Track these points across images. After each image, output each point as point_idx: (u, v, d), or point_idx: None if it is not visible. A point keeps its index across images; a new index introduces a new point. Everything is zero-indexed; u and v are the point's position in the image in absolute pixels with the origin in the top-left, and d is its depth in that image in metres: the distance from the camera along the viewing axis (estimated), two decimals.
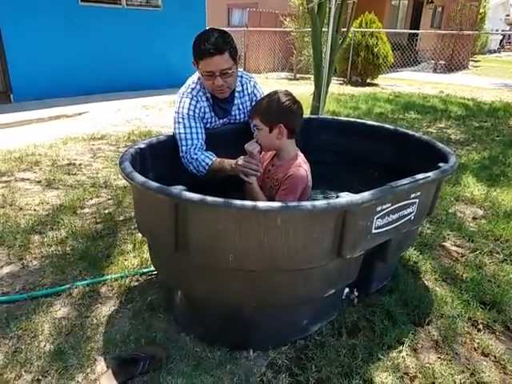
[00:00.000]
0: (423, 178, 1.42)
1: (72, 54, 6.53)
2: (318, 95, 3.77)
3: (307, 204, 1.18)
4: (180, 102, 1.90)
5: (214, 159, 1.81)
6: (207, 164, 1.80)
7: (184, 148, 1.85)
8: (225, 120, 2.04)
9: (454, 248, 2.26)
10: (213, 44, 1.73)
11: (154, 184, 1.28)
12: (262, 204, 1.17)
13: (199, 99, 1.91)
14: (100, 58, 6.84)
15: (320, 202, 1.20)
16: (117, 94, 6.73)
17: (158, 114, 5.74)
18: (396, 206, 1.40)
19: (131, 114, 5.65)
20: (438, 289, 1.87)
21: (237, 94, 2.00)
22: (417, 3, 15.80)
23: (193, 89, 1.92)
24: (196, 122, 1.88)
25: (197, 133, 1.87)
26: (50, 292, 1.82)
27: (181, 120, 1.86)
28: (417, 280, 1.93)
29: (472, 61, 16.11)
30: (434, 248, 2.23)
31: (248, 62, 11.55)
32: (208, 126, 1.99)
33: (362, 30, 9.01)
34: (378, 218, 1.36)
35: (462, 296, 1.80)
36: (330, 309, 1.59)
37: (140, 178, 1.33)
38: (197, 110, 1.89)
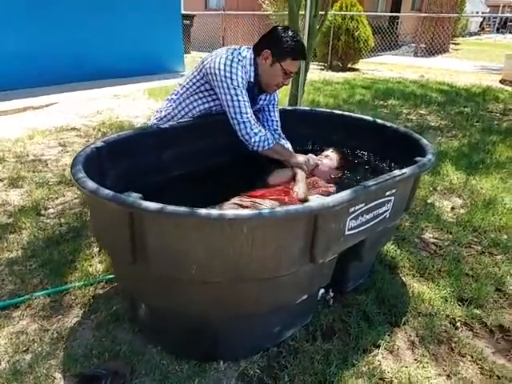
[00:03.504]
0: (399, 175, 1.34)
1: (38, 41, 6.12)
2: (296, 84, 3.66)
3: (275, 210, 1.08)
4: (231, 66, 1.79)
5: (275, 141, 1.94)
6: (272, 142, 1.90)
7: (247, 117, 1.82)
8: None
9: (432, 240, 2.21)
10: (304, 49, 1.88)
11: (107, 192, 1.16)
12: (227, 212, 1.07)
13: (245, 70, 1.85)
14: (69, 45, 6.46)
15: (289, 208, 1.11)
16: (88, 83, 6.41)
17: (132, 104, 5.52)
18: (370, 205, 1.33)
19: (103, 104, 5.41)
20: (415, 285, 1.82)
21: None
22: None
23: (243, 60, 1.84)
24: (246, 94, 1.84)
25: (249, 103, 1.85)
26: (7, 304, 1.69)
27: (237, 86, 1.80)
28: (394, 276, 1.87)
29: (452, 44, 16.13)
30: (411, 241, 2.18)
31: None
32: None
33: (343, 13, 8.84)
34: (351, 220, 1.29)
35: (439, 292, 1.76)
36: (304, 313, 1.52)
37: (91, 184, 1.21)
38: (244, 82, 1.84)
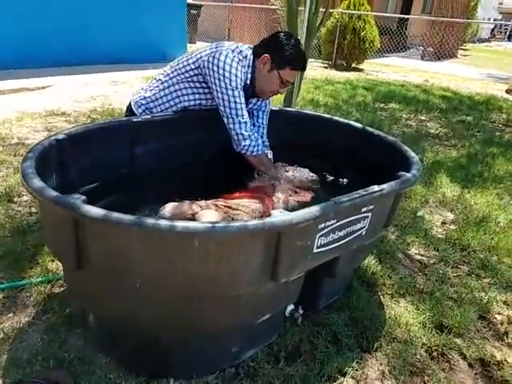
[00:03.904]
0: (377, 191, 1.22)
1: (38, 21, 5.99)
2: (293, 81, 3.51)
3: (230, 225, 0.97)
4: (231, 66, 1.70)
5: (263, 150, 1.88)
6: (262, 150, 1.84)
7: (244, 119, 1.76)
8: None
9: (417, 257, 2.09)
10: (305, 60, 1.81)
11: (51, 193, 1.04)
12: (177, 224, 0.95)
13: (244, 70, 1.76)
14: (69, 27, 6.32)
15: (246, 223, 0.99)
16: (86, 68, 6.27)
17: (127, 91, 5.38)
18: (343, 221, 1.21)
19: (98, 90, 5.28)
20: (393, 306, 1.71)
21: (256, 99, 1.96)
22: None
23: (243, 59, 1.76)
24: (243, 94, 1.77)
25: (244, 105, 1.78)
26: None
27: (234, 87, 1.72)
28: (371, 295, 1.75)
29: (461, 49, 15.90)
30: (395, 257, 2.06)
31: (232, 39, 11.09)
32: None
33: (350, 11, 8.64)
34: (320, 237, 1.17)
35: (418, 317, 1.64)
36: (268, 332, 1.41)
37: (37, 183, 1.09)
38: (242, 83, 1.76)
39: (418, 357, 1.47)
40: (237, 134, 1.77)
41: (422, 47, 12.64)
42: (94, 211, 0.96)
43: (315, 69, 8.69)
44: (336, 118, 2.03)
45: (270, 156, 1.99)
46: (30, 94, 4.98)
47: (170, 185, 1.72)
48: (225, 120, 1.78)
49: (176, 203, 1.56)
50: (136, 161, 1.71)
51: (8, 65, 5.70)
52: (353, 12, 8.59)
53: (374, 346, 1.48)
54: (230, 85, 1.70)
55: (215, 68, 1.70)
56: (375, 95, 6.08)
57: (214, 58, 1.71)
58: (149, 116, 1.77)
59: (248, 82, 1.78)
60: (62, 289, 1.69)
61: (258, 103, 1.98)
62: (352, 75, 8.16)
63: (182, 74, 1.83)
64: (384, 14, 10.80)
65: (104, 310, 1.20)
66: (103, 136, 1.61)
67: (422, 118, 5.15)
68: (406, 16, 11.79)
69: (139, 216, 0.97)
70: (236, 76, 1.71)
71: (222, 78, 1.70)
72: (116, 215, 0.95)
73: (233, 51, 1.74)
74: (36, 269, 1.79)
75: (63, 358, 1.36)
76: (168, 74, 1.88)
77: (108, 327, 1.31)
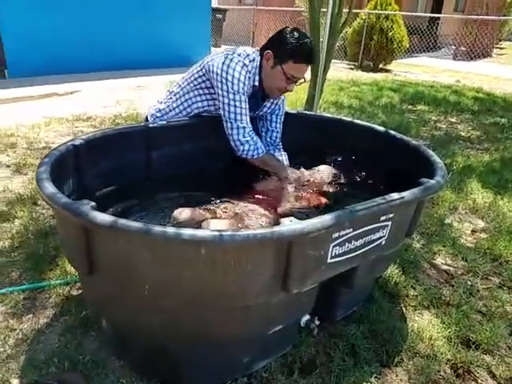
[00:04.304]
0: (396, 199, 1.15)
1: (68, 30, 6.25)
2: (315, 84, 3.46)
3: (237, 234, 0.93)
4: (235, 70, 1.69)
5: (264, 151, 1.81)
6: (263, 151, 1.78)
7: (243, 123, 1.71)
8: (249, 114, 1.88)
9: (443, 267, 1.99)
10: (312, 53, 1.71)
11: (62, 199, 1.05)
12: (183, 232, 0.93)
13: (251, 75, 1.74)
14: (98, 35, 6.53)
15: (254, 232, 0.95)
16: (112, 73, 6.46)
17: (151, 96, 5.47)
18: (360, 230, 1.15)
19: (124, 95, 5.39)
20: (416, 318, 1.62)
21: (272, 100, 1.91)
22: None
23: (249, 64, 1.73)
24: (246, 100, 1.73)
25: (248, 112, 1.75)
26: None
27: (236, 92, 1.69)
28: (393, 306, 1.67)
29: (497, 48, 15.25)
30: (419, 267, 1.96)
31: (256, 42, 11.10)
32: None
33: (377, 12, 8.46)
34: (335, 246, 1.12)
35: (443, 331, 1.55)
36: (281, 342, 1.36)
37: (49, 189, 1.10)
38: (246, 88, 1.72)
39: (441, 373, 1.38)
40: (234, 140, 1.74)
41: (453, 46, 12.21)
42: (101, 218, 0.95)
43: (341, 70, 8.56)
44: (357, 121, 1.96)
45: (284, 158, 1.94)
46: (59, 99, 5.15)
47: (184, 189, 1.70)
48: (224, 124, 1.75)
49: (186, 209, 1.55)
50: (152, 165, 1.71)
51: (38, 71, 5.94)
52: (380, 12, 8.40)
53: (395, 360, 1.41)
54: (232, 88, 1.68)
55: (218, 71, 1.69)
56: (402, 96, 5.90)
57: (218, 62, 1.71)
58: (164, 121, 1.78)
59: (256, 83, 1.76)
60: (79, 291, 1.71)
61: (272, 107, 1.94)
62: (379, 76, 7.98)
63: (192, 82, 1.86)
64: (412, 14, 10.52)
65: (114, 315, 1.20)
66: (120, 141, 1.62)
67: (453, 120, 4.95)
68: (437, 15, 11.43)
69: (146, 223, 0.96)
70: (239, 80, 1.68)
71: (224, 81, 1.69)
72: (123, 222, 0.94)
73: (239, 55, 1.73)
74: (56, 271, 1.82)
75: (78, 360, 1.36)
76: (180, 85, 1.91)
77: (120, 332, 1.30)
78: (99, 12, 6.55)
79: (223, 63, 1.69)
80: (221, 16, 10.11)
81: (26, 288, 1.69)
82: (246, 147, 1.74)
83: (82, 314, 1.55)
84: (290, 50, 1.66)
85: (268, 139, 1.98)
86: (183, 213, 1.55)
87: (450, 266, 2.00)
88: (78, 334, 1.47)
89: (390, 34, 8.36)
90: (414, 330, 1.54)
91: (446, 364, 1.42)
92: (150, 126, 1.73)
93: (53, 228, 2.15)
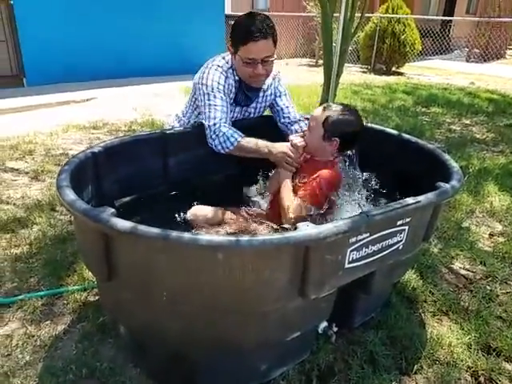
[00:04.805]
0: (412, 204, 1.14)
1: (85, 38, 6.37)
2: (328, 88, 3.46)
3: (254, 239, 0.93)
4: (208, 73, 1.75)
5: (243, 137, 1.68)
6: (236, 139, 1.66)
7: (212, 121, 1.69)
8: (243, 108, 1.90)
9: (462, 272, 1.95)
10: (258, 28, 1.61)
11: (82, 206, 1.06)
12: (200, 237, 0.94)
13: (228, 74, 1.76)
14: (112, 42, 6.65)
15: (271, 237, 0.95)
16: (129, 80, 6.56)
17: (168, 102, 5.53)
18: (377, 235, 1.14)
19: (140, 102, 5.46)
20: (435, 325, 1.60)
21: (264, 87, 1.86)
22: None
23: (224, 64, 1.77)
24: (225, 97, 1.74)
25: (226, 107, 1.72)
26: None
27: (210, 91, 1.72)
28: (412, 312, 1.65)
29: (510, 49, 15.02)
30: (437, 272, 1.93)
31: None
32: None
33: (389, 15, 8.43)
34: (352, 251, 1.11)
35: (463, 337, 1.52)
36: (299, 349, 1.35)
37: (69, 196, 1.12)
38: (226, 85, 1.75)
39: (462, 381, 1.35)
40: (207, 140, 1.72)
41: (467, 48, 12.08)
42: (122, 224, 0.96)
43: (354, 74, 8.53)
44: (370, 124, 1.95)
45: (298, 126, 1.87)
46: (76, 106, 5.25)
47: (201, 195, 1.71)
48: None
49: (202, 207, 1.56)
50: (169, 171, 1.73)
51: (56, 79, 6.07)
52: (392, 16, 8.37)
53: (414, 367, 1.39)
54: (206, 89, 1.72)
55: (196, 81, 1.77)
56: (416, 99, 5.85)
57: (197, 75, 1.79)
58: (181, 128, 1.79)
59: (237, 77, 1.78)
60: (96, 297, 1.72)
61: (270, 93, 1.92)
62: (391, 79, 7.93)
63: (189, 102, 1.94)
64: (424, 17, 10.45)
65: (132, 321, 1.21)
66: (137, 148, 1.64)
67: (467, 122, 4.88)
68: (449, 18, 11.33)
69: (165, 229, 0.97)
70: (212, 80, 1.72)
71: (200, 86, 1.74)
72: (142, 228, 0.95)
73: (213, 60, 1.79)
74: (73, 277, 1.84)
75: (95, 367, 1.38)
76: (183, 111, 2.00)
77: (138, 338, 1.31)
78: (115, 20, 6.66)
79: (202, 73, 1.77)
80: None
81: (45, 294, 1.72)
82: (217, 142, 1.69)
83: (99, 321, 1.57)
84: (236, 36, 1.67)
85: (286, 125, 1.93)
86: (196, 210, 1.57)
87: (468, 270, 1.97)
88: (96, 341, 1.49)
89: (403, 37, 8.32)
90: (432, 337, 1.52)
91: (467, 371, 1.39)
92: (167, 132, 1.75)
93: (70, 234, 2.18)
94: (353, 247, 1.09)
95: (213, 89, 1.71)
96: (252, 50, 1.64)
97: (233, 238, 0.93)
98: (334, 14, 3.36)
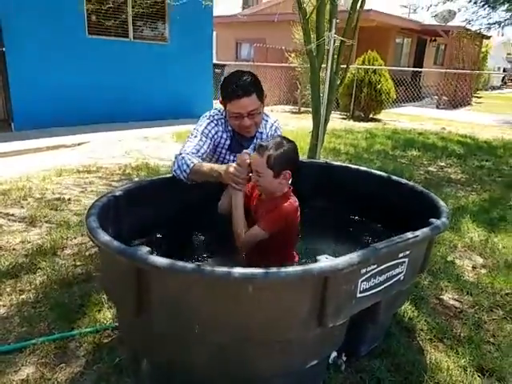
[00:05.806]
0: (412, 238, 1.30)
1: (76, 84, 6.53)
2: (317, 134, 3.73)
3: (282, 270, 1.06)
4: (200, 121, 1.95)
5: (200, 161, 1.77)
6: (192, 162, 1.74)
7: (179, 151, 1.83)
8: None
9: (451, 302, 2.10)
10: (240, 86, 1.77)
11: (117, 245, 1.17)
12: (233, 270, 1.06)
13: (219, 123, 1.94)
14: (105, 89, 6.84)
15: (296, 268, 1.09)
16: (120, 125, 6.69)
17: (160, 146, 5.68)
18: (382, 267, 1.28)
19: (132, 146, 5.58)
20: (433, 351, 1.72)
21: (258, 135, 2.00)
22: (420, 41, 16.20)
23: (216, 114, 1.96)
24: (205, 139, 1.89)
25: (200, 145, 1.87)
26: (11, 348, 1.66)
27: (194, 132, 1.91)
28: (411, 340, 1.77)
29: (475, 97, 16.23)
30: (430, 302, 2.07)
31: None
32: (220, 159, 2.00)
33: (366, 67, 9.12)
34: (362, 281, 1.24)
35: (458, 360, 1.64)
36: (314, 378, 1.44)
37: (104, 237, 1.22)
38: (212, 131, 1.92)
39: None
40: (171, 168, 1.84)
41: (436, 96, 13.02)
42: (160, 261, 1.07)
43: (334, 120, 9.01)
44: (364, 168, 2.15)
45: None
46: (68, 151, 5.28)
47: (215, 237, 1.82)
48: None
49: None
50: (184, 211, 1.85)
51: (43, 123, 6.09)
52: (369, 67, 9.06)
53: None
54: (192, 131, 1.91)
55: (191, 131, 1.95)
56: (394, 143, 6.25)
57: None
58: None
59: (229, 127, 1.94)
60: (110, 338, 1.75)
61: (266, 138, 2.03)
62: (370, 125, 8.43)
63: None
64: (397, 68, 11.35)
65: (161, 356, 1.28)
66: (154, 190, 1.77)
67: (442, 164, 5.25)
68: (418, 69, 12.33)
69: (200, 264, 1.08)
70: (200, 125, 1.91)
71: (193, 131, 1.92)
72: (180, 264, 1.06)
73: (210, 112, 1.97)
74: (83, 319, 1.86)
75: None
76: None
77: (162, 374, 1.37)
78: (106, 68, 6.90)
79: (196, 125, 1.94)
80: (220, 71, 10.73)
81: (57, 337, 1.72)
82: (176, 167, 1.77)
83: (115, 361, 1.58)
84: (223, 93, 1.83)
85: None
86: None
87: (456, 300, 2.12)
88: (113, 382, 1.51)
89: (379, 86, 8.96)
90: (432, 362, 1.64)
91: None
92: None
93: (76, 277, 2.21)
94: (363, 277, 1.23)
95: (197, 131, 1.90)
96: (236, 106, 1.79)
97: (262, 270, 1.05)
98: (322, 66, 3.70)
